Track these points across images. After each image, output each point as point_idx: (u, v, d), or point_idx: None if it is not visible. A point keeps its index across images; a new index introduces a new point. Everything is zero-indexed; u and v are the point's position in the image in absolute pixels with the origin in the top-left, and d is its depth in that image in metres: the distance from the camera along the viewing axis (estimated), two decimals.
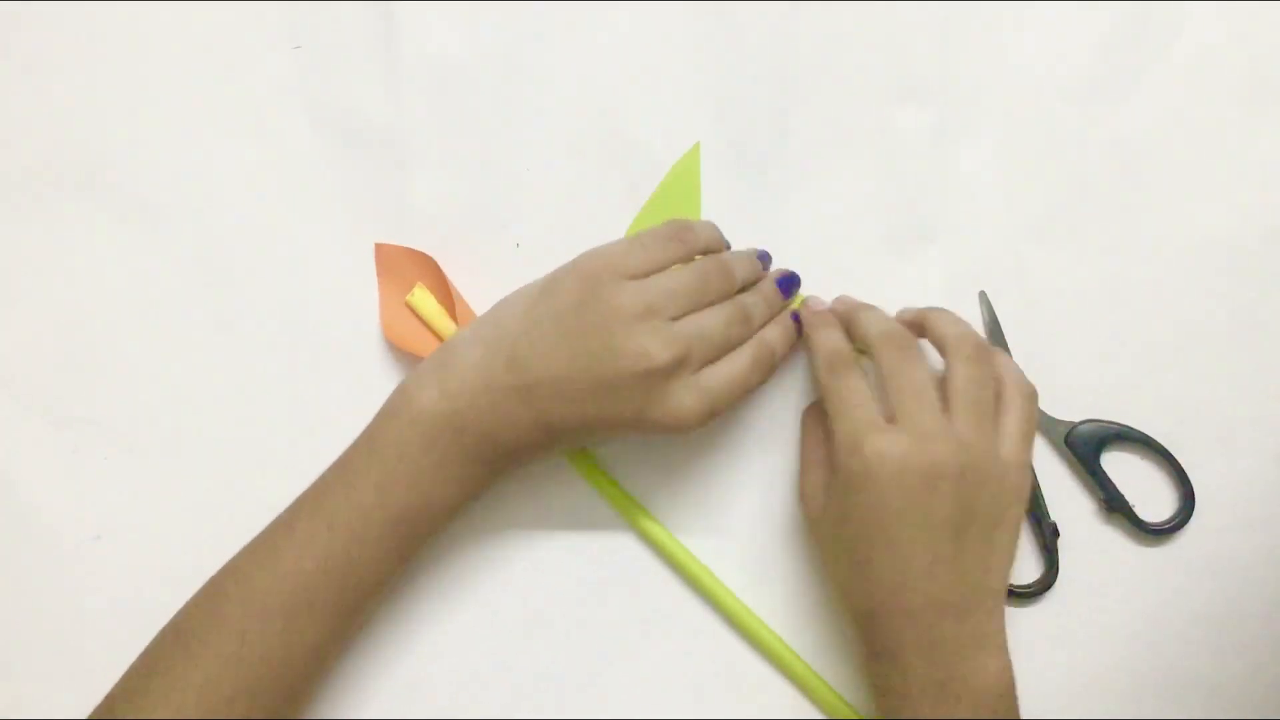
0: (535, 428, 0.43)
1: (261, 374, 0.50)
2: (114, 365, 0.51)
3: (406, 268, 0.50)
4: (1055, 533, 0.49)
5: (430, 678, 0.49)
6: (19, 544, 0.50)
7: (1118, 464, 0.50)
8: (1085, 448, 0.49)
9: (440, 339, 0.49)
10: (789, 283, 0.48)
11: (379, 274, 0.50)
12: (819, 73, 0.51)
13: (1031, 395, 0.45)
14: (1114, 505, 0.49)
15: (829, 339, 0.46)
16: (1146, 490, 0.50)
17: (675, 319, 0.43)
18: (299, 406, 0.50)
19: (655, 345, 0.42)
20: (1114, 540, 0.50)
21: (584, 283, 0.43)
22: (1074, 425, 0.49)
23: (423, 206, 0.51)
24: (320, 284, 0.51)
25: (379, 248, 0.50)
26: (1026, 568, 0.50)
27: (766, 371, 0.45)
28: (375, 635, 0.49)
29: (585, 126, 0.51)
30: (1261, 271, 0.50)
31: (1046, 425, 0.50)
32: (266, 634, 0.41)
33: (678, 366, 0.42)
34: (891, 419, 0.42)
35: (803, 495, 0.47)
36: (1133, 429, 0.49)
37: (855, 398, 0.43)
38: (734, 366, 0.44)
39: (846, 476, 0.42)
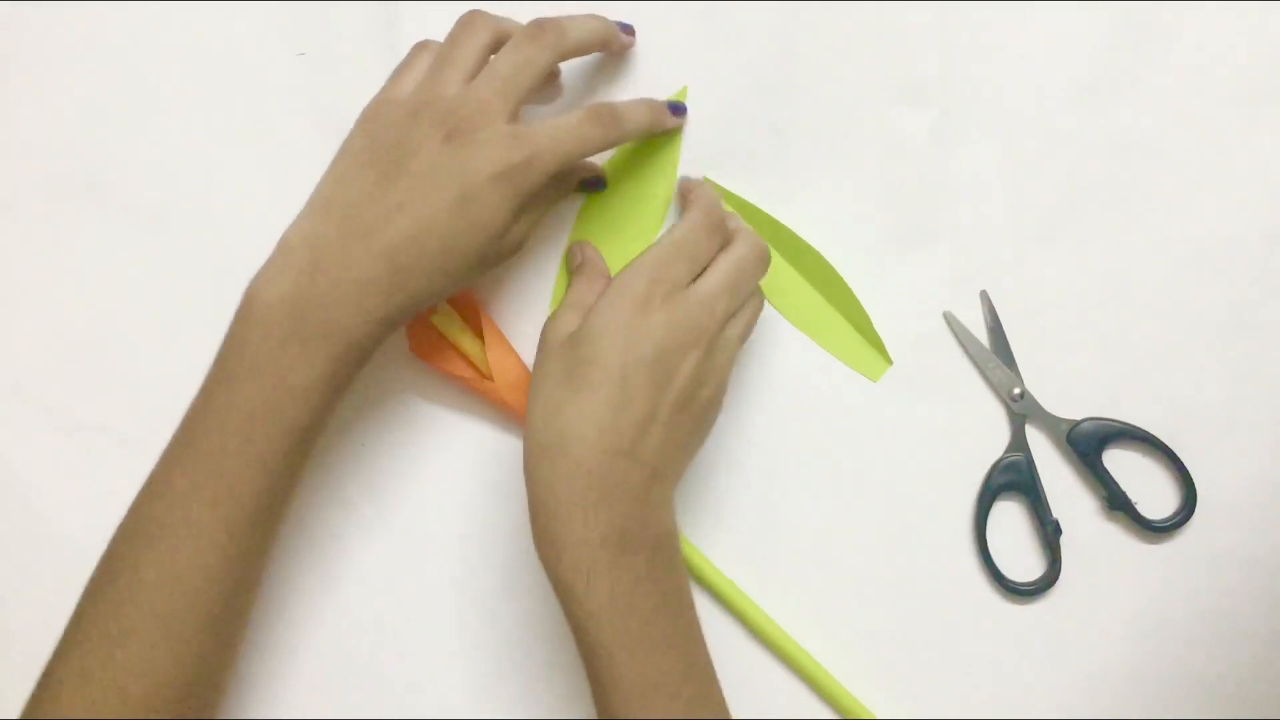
0: (388, 278, 0.41)
1: None
2: (122, 371, 0.51)
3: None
4: (1058, 530, 0.49)
5: (431, 677, 0.50)
6: (30, 549, 0.50)
7: (1120, 462, 0.50)
8: (1087, 446, 0.50)
9: (466, 358, 0.49)
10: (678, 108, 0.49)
11: None
12: (819, 74, 0.51)
13: (759, 306, 0.46)
14: (1116, 503, 0.49)
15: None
16: (1148, 488, 0.50)
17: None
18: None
19: (505, 144, 0.41)
20: (1116, 538, 0.50)
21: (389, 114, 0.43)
22: (1076, 423, 0.50)
23: None
24: None
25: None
26: (1029, 565, 0.50)
27: (609, 127, 0.45)
28: (358, 627, 0.49)
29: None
30: (1262, 269, 0.50)
31: (1048, 423, 0.50)
32: (158, 558, 0.40)
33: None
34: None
35: (550, 326, 0.44)
36: (1135, 427, 0.50)
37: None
38: (566, 119, 0.44)
39: (621, 308, 0.42)
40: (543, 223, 0.50)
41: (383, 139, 0.43)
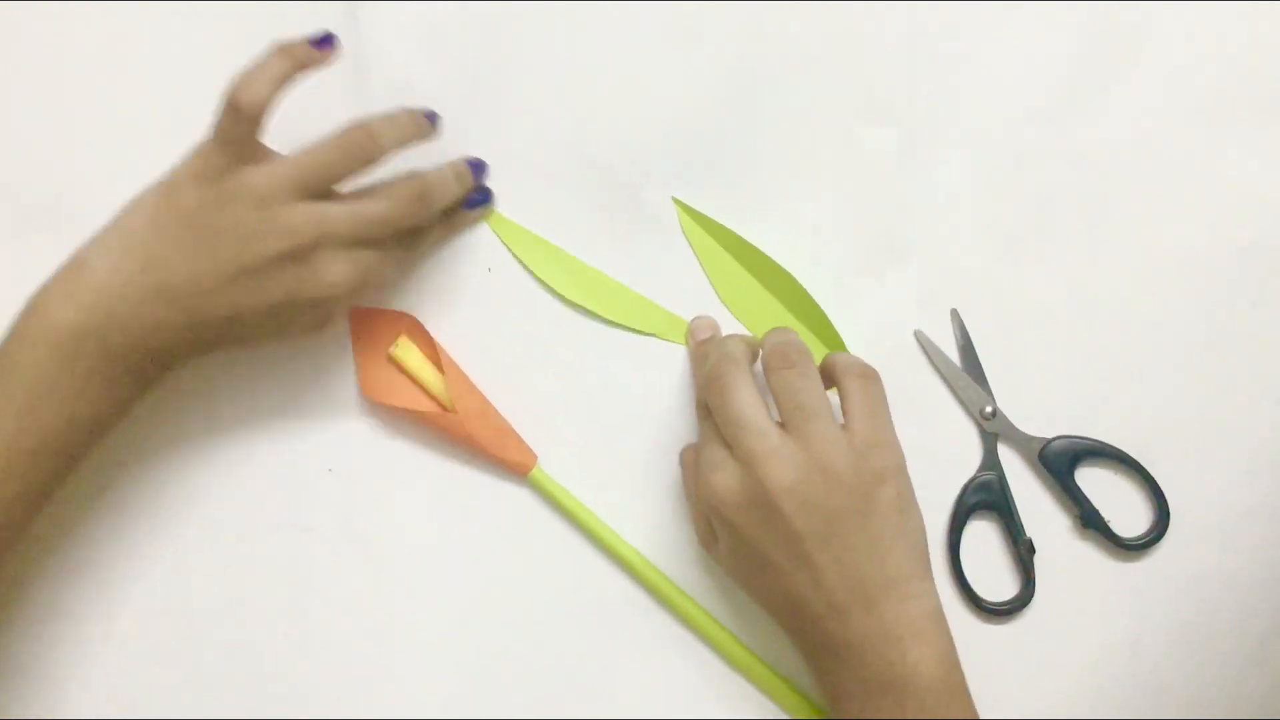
0: (184, 328, 0.42)
1: (232, 404, 0.50)
2: None
3: (381, 328, 0.49)
4: (1031, 549, 0.49)
5: (401, 702, 0.49)
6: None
7: (1092, 480, 0.50)
8: (1059, 464, 0.49)
9: (427, 391, 0.49)
10: (479, 166, 0.49)
11: (353, 336, 0.50)
12: (786, 93, 0.50)
13: (867, 374, 0.44)
14: (1089, 521, 0.49)
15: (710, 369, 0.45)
16: (1121, 505, 0.50)
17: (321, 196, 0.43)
18: (265, 435, 0.50)
19: (296, 220, 0.41)
20: (1090, 556, 0.50)
21: (205, 175, 0.43)
22: (1047, 441, 0.49)
23: None
24: None
25: (354, 311, 0.49)
26: (1002, 585, 0.50)
27: (418, 205, 0.45)
28: (326, 652, 0.49)
29: (553, 150, 0.51)
30: (1233, 285, 0.50)
31: (1020, 441, 0.50)
32: None
33: (320, 240, 0.42)
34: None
35: (702, 540, 0.47)
36: (1106, 444, 0.49)
37: (706, 438, 0.44)
38: (372, 205, 0.43)
39: (713, 518, 0.43)
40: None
41: (223, 204, 0.42)
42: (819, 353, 0.50)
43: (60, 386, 0.41)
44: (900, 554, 0.42)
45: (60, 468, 0.42)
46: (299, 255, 0.42)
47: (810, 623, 0.42)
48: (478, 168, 0.49)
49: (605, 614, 0.49)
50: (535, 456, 0.49)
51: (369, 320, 0.50)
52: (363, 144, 0.44)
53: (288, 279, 0.42)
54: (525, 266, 0.50)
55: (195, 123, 0.51)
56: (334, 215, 0.42)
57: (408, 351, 0.49)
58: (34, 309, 0.42)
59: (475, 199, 0.49)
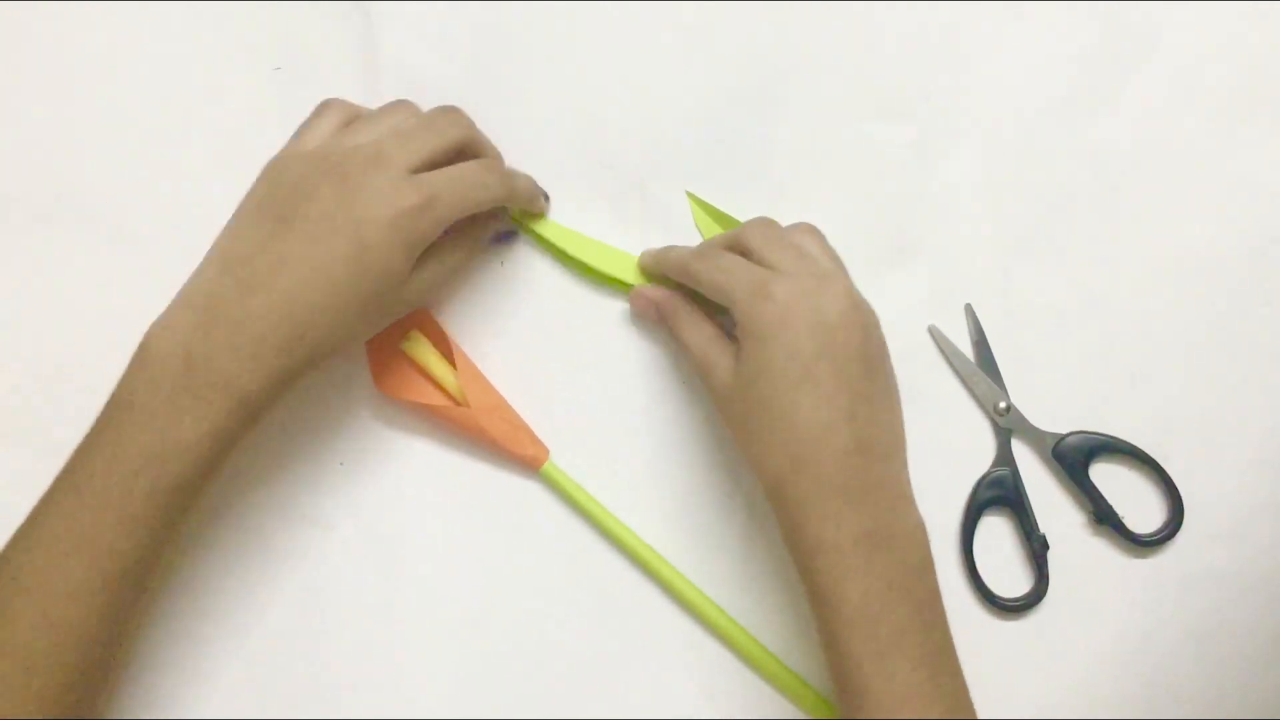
0: (279, 329, 0.40)
1: None
2: (89, 394, 0.50)
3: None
4: (1044, 545, 0.49)
5: (412, 696, 0.49)
6: None
7: (1106, 475, 0.49)
8: (1073, 459, 0.49)
9: (439, 385, 0.49)
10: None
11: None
12: (799, 90, 0.50)
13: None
14: (1103, 517, 0.49)
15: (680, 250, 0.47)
16: (1135, 501, 0.49)
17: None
18: (277, 429, 0.50)
19: (400, 189, 0.41)
20: (1103, 552, 0.50)
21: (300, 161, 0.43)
22: (1062, 437, 0.49)
23: None
24: None
25: None
26: (1016, 581, 0.50)
27: (503, 179, 0.46)
28: (336, 645, 0.49)
29: (566, 145, 0.51)
30: (1246, 281, 0.50)
31: (1034, 437, 0.50)
32: (32, 610, 0.39)
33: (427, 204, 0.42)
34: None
35: (708, 370, 0.44)
36: (1121, 440, 0.49)
37: (736, 262, 0.44)
38: (462, 167, 0.44)
39: (760, 328, 0.41)
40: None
41: (280, 189, 0.42)
42: None
43: (149, 408, 0.40)
44: (901, 416, 0.43)
45: (162, 493, 0.40)
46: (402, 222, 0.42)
47: (828, 460, 0.40)
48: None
49: (617, 608, 0.49)
50: (548, 450, 0.49)
51: None
52: (449, 118, 0.45)
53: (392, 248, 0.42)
54: (549, 244, 0.50)
55: (202, 119, 0.51)
56: (442, 187, 0.43)
57: (419, 345, 0.49)
58: (144, 337, 0.42)
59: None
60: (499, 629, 0.49)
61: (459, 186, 0.43)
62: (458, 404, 0.48)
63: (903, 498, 0.42)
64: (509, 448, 0.48)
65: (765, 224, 0.45)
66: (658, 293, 0.48)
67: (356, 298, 0.41)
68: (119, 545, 0.40)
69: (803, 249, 0.44)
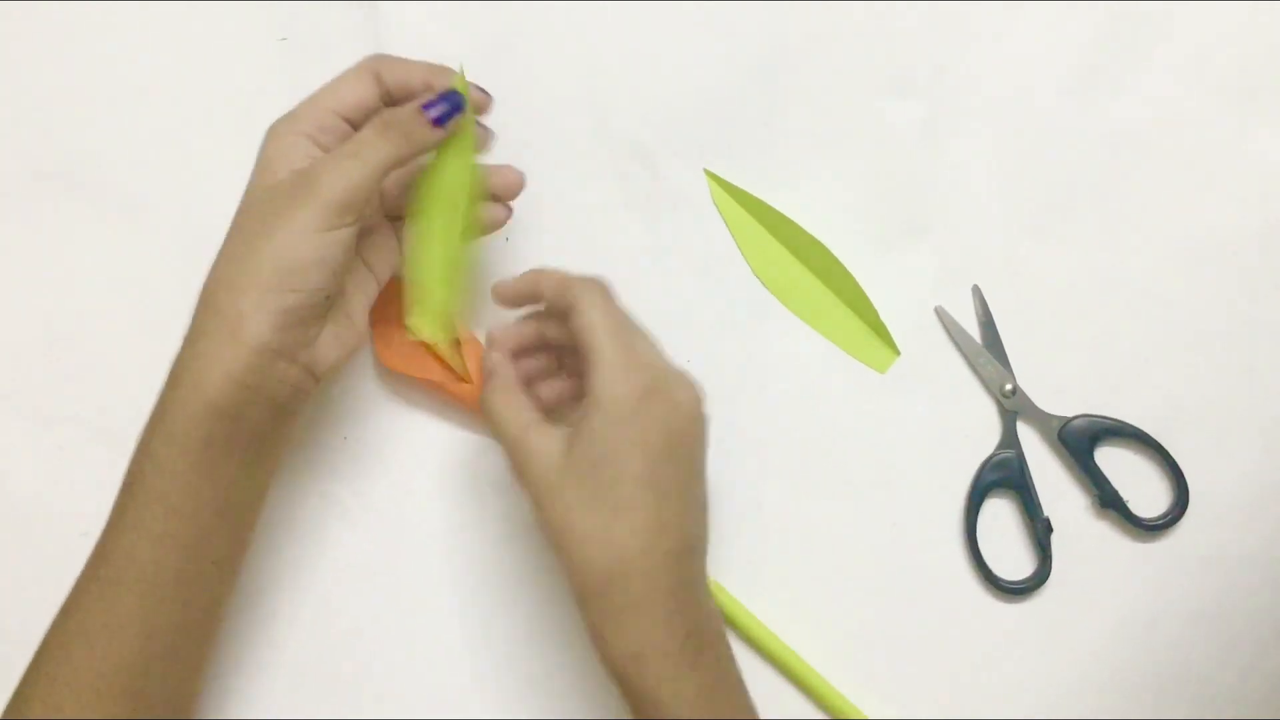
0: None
1: None
2: (100, 363, 0.50)
3: (398, 296, 0.48)
4: (1048, 528, 0.49)
5: (414, 668, 0.49)
6: (5, 541, 0.49)
7: (1111, 459, 0.49)
8: (1079, 443, 0.49)
9: (442, 361, 0.48)
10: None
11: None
12: (810, 67, 0.50)
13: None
14: (1107, 501, 0.49)
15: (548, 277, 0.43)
16: (1140, 485, 0.49)
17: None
18: None
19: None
20: (1107, 536, 0.50)
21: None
22: (1067, 420, 0.49)
23: None
24: None
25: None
26: (1020, 563, 0.49)
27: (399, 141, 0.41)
28: (340, 617, 0.49)
29: (574, 121, 0.50)
30: (1255, 266, 0.50)
31: (1039, 420, 0.50)
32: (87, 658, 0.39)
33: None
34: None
35: (526, 456, 0.40)
36: (1126, 424, 0.49)
37: (618, 314, 0.41)
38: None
39: (619, 406, 0.39)
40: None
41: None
42: (849, 327, 0.50)
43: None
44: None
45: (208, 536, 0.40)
46: None
47: (658, 560, 0.38)
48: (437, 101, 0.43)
49: None
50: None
51: (386, 288, 0.49)
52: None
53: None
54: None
55: (207, 89, 0.51)
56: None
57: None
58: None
59: (438, 111, 0.42)
60: (498, 606, 0.49)
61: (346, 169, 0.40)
62: (459, 379, 0.48)
63: (708, 589, 0.41)
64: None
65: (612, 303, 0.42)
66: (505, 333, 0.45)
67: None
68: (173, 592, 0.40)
69: (649, 336, 0.42)
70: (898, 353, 0.50)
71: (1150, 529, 0.49)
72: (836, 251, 0.50)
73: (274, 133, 0.42)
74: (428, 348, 0.48)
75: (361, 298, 0.44)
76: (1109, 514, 0.49)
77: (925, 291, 0.50)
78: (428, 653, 0.49)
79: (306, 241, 0.39)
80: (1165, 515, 0.49)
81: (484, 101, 0.44)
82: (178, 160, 0.50)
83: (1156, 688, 0.49)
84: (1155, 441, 0.49)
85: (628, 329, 0.41)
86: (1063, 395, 0.50)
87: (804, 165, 0.50)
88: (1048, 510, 0.49)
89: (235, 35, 0.51)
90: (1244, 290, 0.50)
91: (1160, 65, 0.50)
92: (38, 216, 0.51)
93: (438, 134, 0.42)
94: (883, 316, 0.50)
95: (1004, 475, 0.49)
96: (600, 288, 0.42)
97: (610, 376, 0.39)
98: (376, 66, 0.43)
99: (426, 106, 0.41)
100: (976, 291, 0.50)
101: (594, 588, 0.39)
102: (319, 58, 0.50)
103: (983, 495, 0.49)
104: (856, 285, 0.50)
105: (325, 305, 0.41)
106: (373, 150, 0.40)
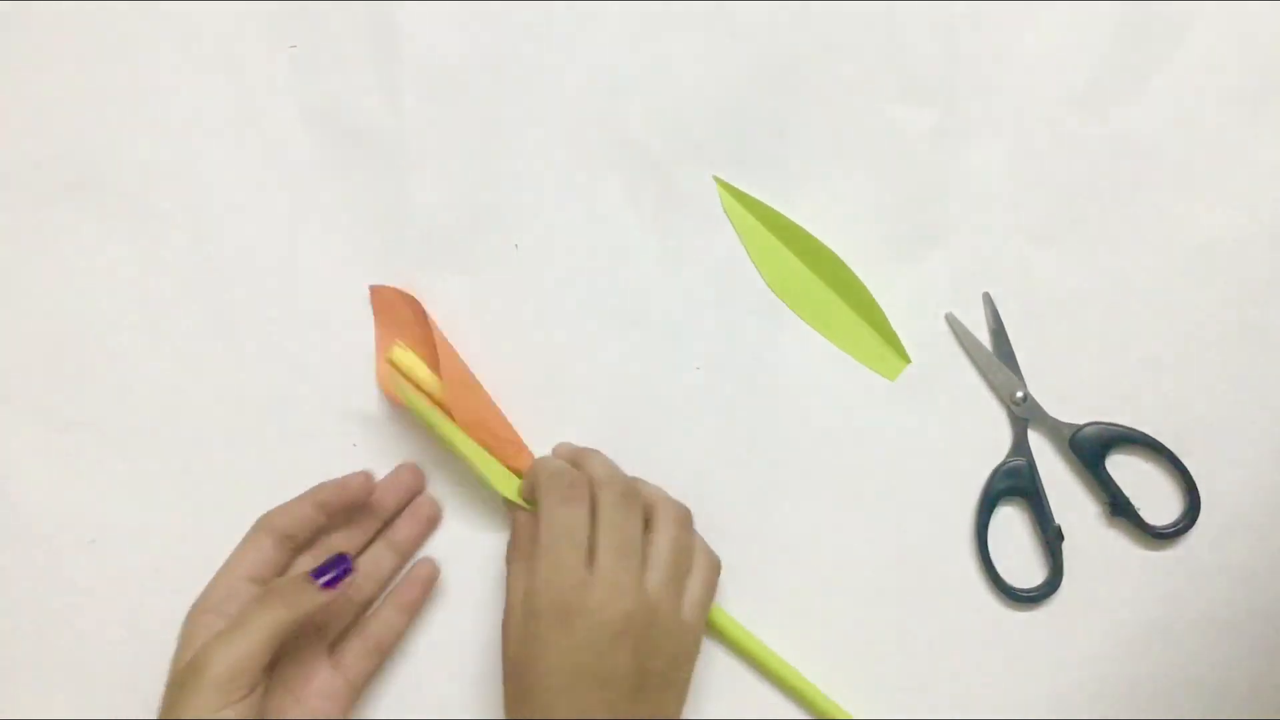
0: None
1: (256, 377, 0.50)
2: (108, 368, 0.50)
3: (399, 309, 0.49)
4: (1059, 536, 0.49)
5: (421, 657, 0.49)
6: (14, 548, 0.49)
7: (1122, 467, 0.49)
8: (1090, 450, 0.49)
9: (428, 395, 0.48)
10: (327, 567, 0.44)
11: (376, 317, 0.49)
12: (821, 74, 0.50)
13: (715, 567, 0.46)
14: (1119, 508, 0.49)
15: (545, 466, 0.45)
16: (1151, 493, 0.49)
17: None
18: (294, 410, 0.50)
19: None
20: (1118, 543, 0.49)
21: None
22: (1079, 428, 0.49)
23: (420, 208, 0.50)
24: (316, 286, 0.50)
25: (374, 290, 0.49)
26: (1030, 572, 0.49)
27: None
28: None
29: (584, 128, 0.50)
30: (1268, 274, 0.50)
31: (1050, 427, 0.49)
32: None
33: None
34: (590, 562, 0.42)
35: (505, 634, 0.43)
36: (1138, 431, 0.49)
37: (564, 536, 0.42)
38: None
39: (543, 622, 0.41)
40: None
41: None
42: (860, 335, 0.50)
43: None
44: None
45: None
46: None
47: None
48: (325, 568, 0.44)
49: None
50: (532, 458, 0.48)
51: (387, 302, 0.49)
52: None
53: None
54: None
55: (216, 96, 0.51)
56: None
57: (404, 356, 0.48)
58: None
59: (328, 577, 0.43)
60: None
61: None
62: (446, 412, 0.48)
63: None
64: (495, 454, 0.48)
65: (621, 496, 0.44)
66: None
67: None
68: None
69: (628, 548, 0.43)
70: (908, 360, 0.50)
71: (1161, 537, 0.49)
72: (847, 259, 0.50)
73: (187, 618, 0.43)
74: (410, 381, 0.48)
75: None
76: (1120, 522, 0.49)
77: (936, 299, 0.50)
78: (431, 655, 0.49)
79: None
80: (1176, 523, 0.49)
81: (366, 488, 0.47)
82: (188, 168, 0.50)
83: (1167, 695, 0.49)
84: (1166, 449, 0.49)
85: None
86: (1074, 403, 0.49)
87: (815, 172, 0.50)
88: (1059, 518, 0.49)
89: (244, 43, 0.51)
90: (1256, 298, 0.50)
91: (1173, 72, 0.50)
92: (49, 223, 0.51)
93: (328, 595, 0.43)
94: (893, 324, 0.50)
95: (1015, 483, 0.49)
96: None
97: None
98: (266, 522, 0.45)
99: (316, 574, 0.43)
100: (987, 299, 0.50)
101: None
102: (328, 65, 0.50)
103: (993, 503, 0.49)
104: (867, 293, 0.50)
105: None
106: (257, 622, 0.41)
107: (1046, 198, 0.50)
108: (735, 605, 0.49)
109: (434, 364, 0.48)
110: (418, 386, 0.48)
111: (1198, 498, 0.49)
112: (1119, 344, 0.50)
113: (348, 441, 0.50)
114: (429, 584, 0.48)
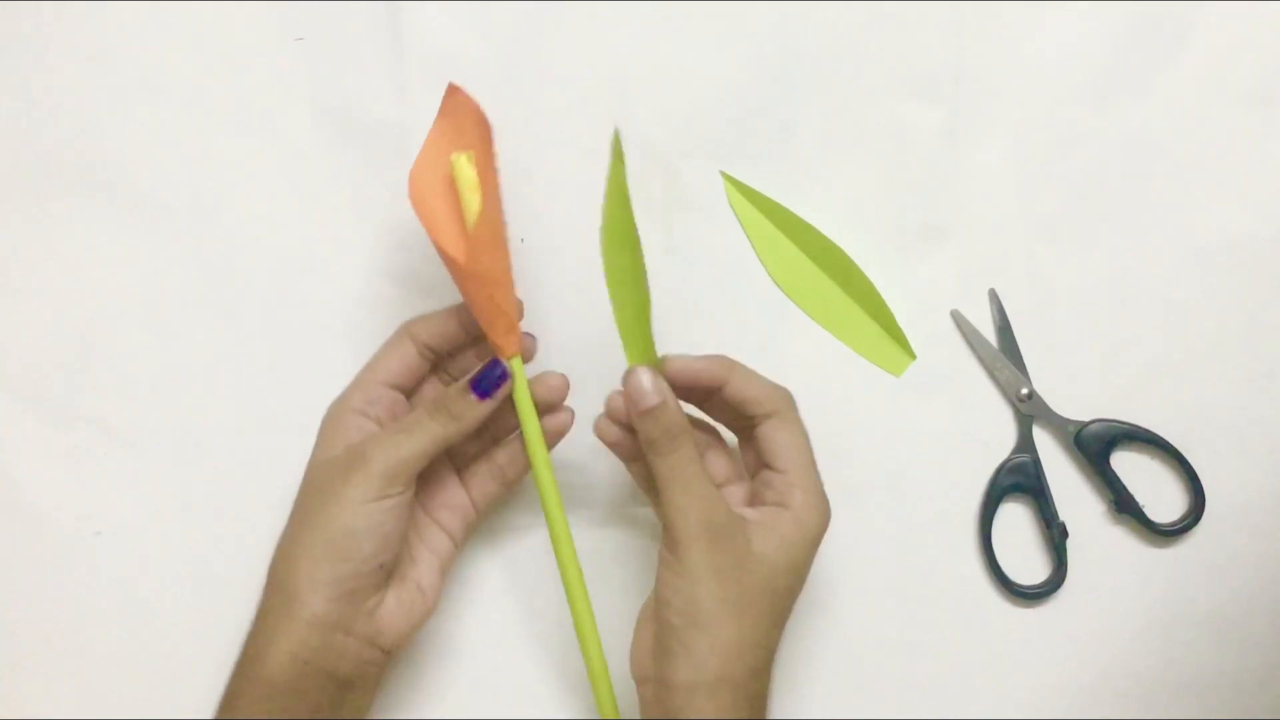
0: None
1: (261, 369, 0.50)
2: (113, 362, 0.50)
3: (466, 123, 0.44)
4: (1064, 533, 0.49)
5: (426, 656, 0.49)
6: (19, 541, 0.49)
7: (1127, 464, 0.49)
8: (1095, 447, 0.49)
9: (464, 214, 0.44)
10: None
11: (439, 120, 0.45)
12: (828, 70, 0.50)
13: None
14: (1123, 506, 0.49)
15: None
16: (1156, 491, 0.49)
17: None
18: (299, 402, 0.50)
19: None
20: (1123, 541, 0.49)
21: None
22: (1084, 425, 0.49)
23: None
24: (322, 280, 0.50)
25: (451, 89, 0.44)
26: (1034, 568, 0.49)
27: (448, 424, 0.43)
28: None
29: (590, 121, 0.50)
30: (1274, 272, 0.50)
31: (1056, 424, 0.49)
32: None
33: None
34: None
35: (695, 516, 0.40)
36: (1143, 429, 0.49)
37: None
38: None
39: (810, 538, 0.41)
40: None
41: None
42: (865, 331, 0.50)
43: None
44: None
45: None
46: None
47: (748, 676, 0.39)
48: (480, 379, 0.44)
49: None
50: (519, 347, 0.45)
51: (458, 108, 0.44)
52: None
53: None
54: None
55: (223, 89, 0.51)
56: None
57: (465, 170, 0.44)
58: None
59: (482, 385, 0.43)
60: (510, 604, 0.49)
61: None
62: (455, 260, 0.43)
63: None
64: (484, 324, 0.44)
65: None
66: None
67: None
68: None
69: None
70: (914, 357, 0.50)
71: (1166, 534, 0.49)
72: (853, 255, 0.50)
73: (328, 415, 0.44)
74: (455, 194, 0.44)
75: (434, 562, 0.45)
76: (1125, 519, 0.49)
77: (942, 295, 0.50)
78: (436, 648, 0.49)
79: (357, 511, 0.40)
80: (1181, 520, 0.49)
81: (532, 347, 0.46)
82: (195, 160, 0.50)
83: (1172, 692, 0.49)
84: (1171, 447, 0.49)
85: (811, 452, 0.43)
86: (1079, 400, 0.49)
87: (821, 168, 0.50)
88: (1063, 515, 0.49)
89: (252, 35, 0.51)
90: (1262, 296, 0.50)
91: (1180, 70, 0.50)
92: (55, 216, 0.50)
93: (485, 407, 0.43)
94: (899, 320, 0.50)
95: (1020, 480, 0.49)
96: (795, 405, 0.43)
97: (811, 503, 0.41)
98: (410, 330, 0.45)
99: (474, 383, 0.43)
100: (993, 296, 0.50)
101: (699, 681, 0.38)
102: (336, 57, 0.50)
103: (998, 500, 0.49)
104: (873, 289, 0.50)
105: (380, 575, 0.42)
106: (423, 429, 0.42)
107: (1053, 195, 0.50)
108: None
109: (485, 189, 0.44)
110: (458, 202, 0.44)
111: (1202, 495, 0.49)
112: (1124, 341, 0.50)
113: None
114: (559, 433, 0.45)
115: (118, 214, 0.50)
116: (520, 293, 0.50)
